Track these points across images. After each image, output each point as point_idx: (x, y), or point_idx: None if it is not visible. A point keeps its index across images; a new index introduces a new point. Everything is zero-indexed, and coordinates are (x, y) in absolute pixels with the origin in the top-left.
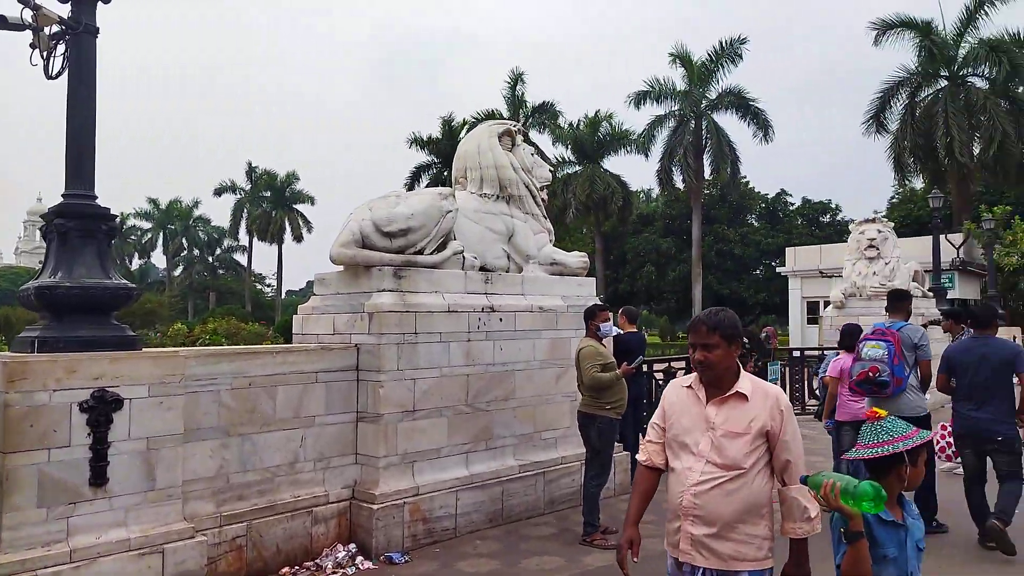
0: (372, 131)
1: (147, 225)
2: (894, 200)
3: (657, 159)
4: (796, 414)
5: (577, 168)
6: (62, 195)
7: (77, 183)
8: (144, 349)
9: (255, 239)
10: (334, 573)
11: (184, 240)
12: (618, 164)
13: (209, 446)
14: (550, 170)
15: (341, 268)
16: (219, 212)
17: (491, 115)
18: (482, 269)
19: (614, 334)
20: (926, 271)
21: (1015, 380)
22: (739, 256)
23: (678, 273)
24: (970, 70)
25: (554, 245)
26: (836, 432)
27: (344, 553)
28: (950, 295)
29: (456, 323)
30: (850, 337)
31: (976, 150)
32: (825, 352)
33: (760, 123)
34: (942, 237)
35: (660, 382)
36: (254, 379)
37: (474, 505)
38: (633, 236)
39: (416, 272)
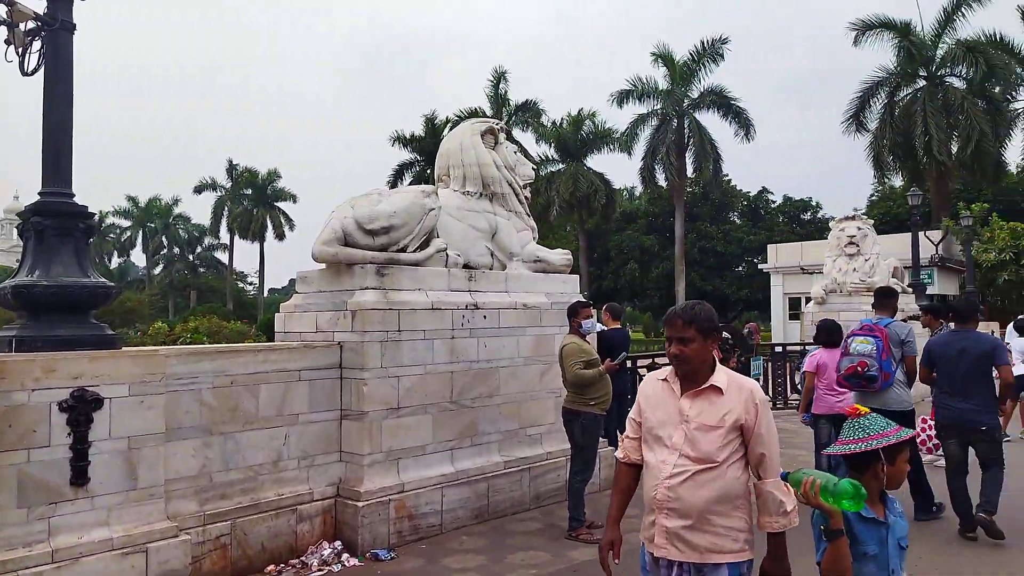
0: (355, 129)
1: (126, 223)
2: (874, 198)
3: (640, 157)
4: (778, 409)
5: (560, 166)
6: (39, 193)
7: (54, 181)
8: (124, 348)
9: (236, 237)
10: (320, 571)
11: (164, 238)
12: (601, 162)
13: (191, 445)
14: (533, 168)
15: (323, 266)
16: (200, 210)
17: (474, 113)
18: (465, 267)
19: (597, 331)
20: (906, 267)
21: (994, 372)
22: (721, 253)
23: (661, 270)
24: (948, 70)
25: (538, 243)
26: (815, 425)
27: (329, 551)
28: (929, 291)
29: (440, 320)
30: (826, 333)
31: (954, 149)
32: (807, 348)
33: (742, 122)
34: (921, 234)
35: (644, 378)
36: (236, 377)
37: (460, 501)
38: (616, 234)
39: (399, 270)
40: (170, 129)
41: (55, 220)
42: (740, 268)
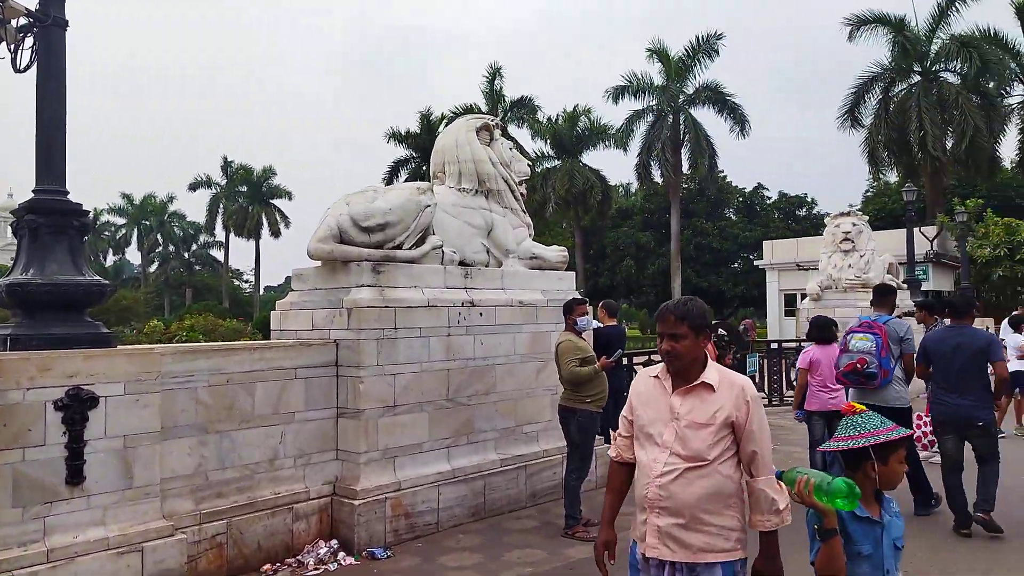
0: (351, 127)
1: (121, 221)
2: (869, 194)
3: (635, 153)
4: (774, 405)
5: (556, 163)
6: (33, 191)
7: (48, 179)
8: (119, 346)
9: (232, 234)
10: (316, 569)
11: (159, 236)
12: (597, 159)
13: (187, 443)
14: (528, 164)
15: (319, 263)
16: (195, 207)
17: (469, 110)
18: (461, 264)
19: (593, 327)
20: (900, 263)
21: (989, 368)
22: (717, 249)
23: (657, 267)
24: (942, 65)
25: (533, 239)
26: (808, 422)
27: (326, 549)
28: (924, 287)
29: (436, 318)
30: (818, 329)
31: (949, 144)
32: (803, 344)
33: (737, 118)
34: (916, 230)
35: (636, 375)
36: (232, 376)
37: (456, 499)
38: (612, 230)
39: (395, 267)
40: (168, 128)
41: (49, 218)
42: (736, 264)
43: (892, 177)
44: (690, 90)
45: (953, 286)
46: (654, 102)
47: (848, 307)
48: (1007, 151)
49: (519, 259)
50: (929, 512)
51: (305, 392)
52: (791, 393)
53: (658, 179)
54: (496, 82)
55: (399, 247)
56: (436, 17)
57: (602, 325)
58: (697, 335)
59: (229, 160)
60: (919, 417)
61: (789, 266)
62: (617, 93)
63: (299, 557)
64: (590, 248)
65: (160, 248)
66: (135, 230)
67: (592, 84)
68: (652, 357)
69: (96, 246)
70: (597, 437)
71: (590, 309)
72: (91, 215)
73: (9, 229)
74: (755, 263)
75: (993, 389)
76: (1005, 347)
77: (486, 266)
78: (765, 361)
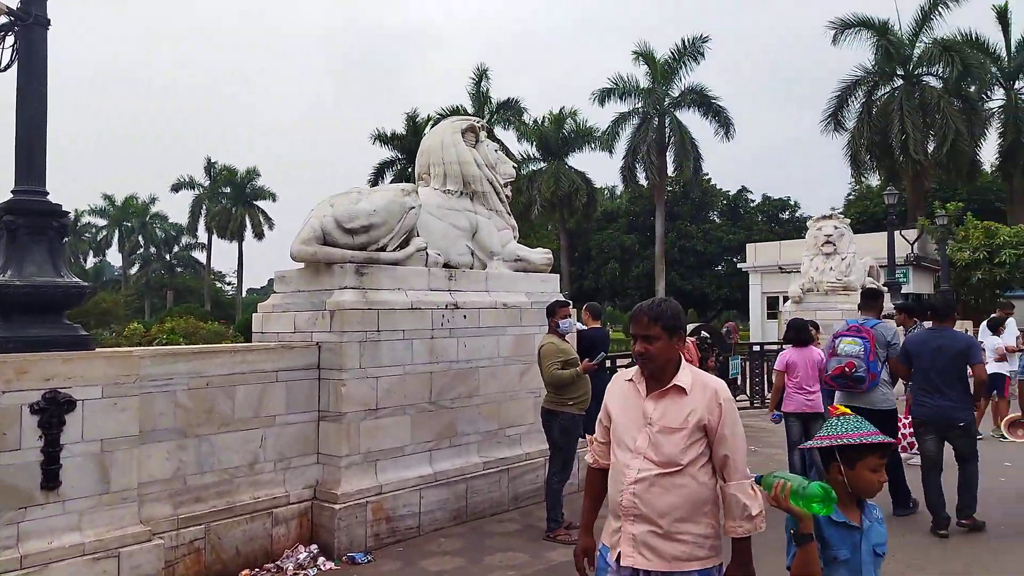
0: (338, 128)
1: (102, 222)
2: (851, 197)
3: (621, 156)
4: (755, 408)
5: (542, 165)
6: (12, 191)
7: (27, 179)
8: (98, 349)
9: (214, 236)
10: (295, 574)
11: (140, 237)
12: (583, 161)
13: (165, 447)
14: (514, 166)
15: (302, 265)
16: (177, 209)
17: (455, 111)
18: (446, 266)
19: (576, 330)
20: (881, 266)
21: (968, 371)
22: (701, 252)
23: (642, 269)
24: (924, 69)
25: (519, 241)
26: (785, 424)
27: (305, 554)
28: (905, 290)
29: (419, 320)
30: (795, 332)
31: (930, 148)
32: (785, 347)
33: (722, 121)
34: (897, 233)
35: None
36: (212, 379)
37: (438, 503)
38: (597, 233)
39: (378, 269)
40: (150, 129)
41: (28, 219)
42: (720, 267)
43: (874, 181)
44: (675, 93)
45: (933, 289)
46: (640, 105)
47: (829, 310)
48: (987, 155)
49: (504, 261)
50: (906, 513)
51: (286, 395)
52: None
53: (643, 182)
54: (482, 84)
55: (383, 249)
56: (421, 18)
57: (586, 327)
58: (671, 336)
59: (212, 161)
60: (899, 419)
61: (772, 269)
62: (603, 95)
63: (278, 562)
64: (575, 250)
65: (141, 250)
66: (116, 232)
67: (578, 86)
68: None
69: (77, 248)
70: (580, 440)
71: (574, 312)
72: (71, 216)
73: None
74: (738, 266)
75: (973, 391)
76: (984, 349)
77: (471, 268)
78: (747, 364)
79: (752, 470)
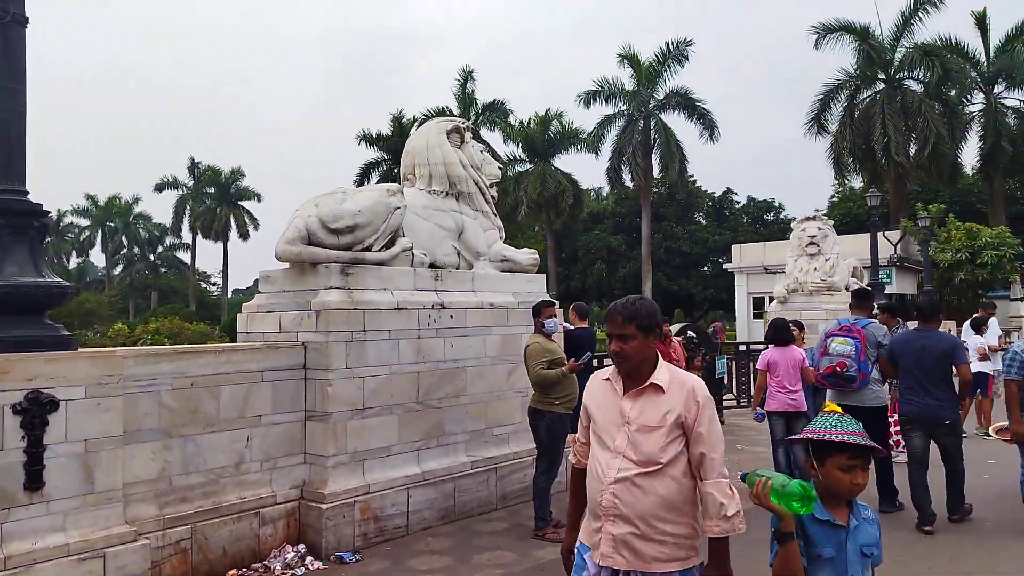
0: (337, 127)
1: (85, 222)
2: (834, 199)
3: (607, 158)
4: (742, 407)
5: (528, 166)
6: None
7: (7, 178)
8: (81, 349)
9: (199, 236)
10: (283, 574)
11: (124, 238)
12: (569, 162)
13: (150, 448)
14: (500, 168)
15: (287, 265)
16: (161, 209)
17: (441, 112)
18: (432, 266)
19: (562, 330)
20: (865, 267)
21: (953, 371)
22: (687, 253)
23: (628, 270)
24: (906, 73)
25: (505, 242)
26: (768, 422)
27: (293, 554)
28: (888, 290)
29: (406, 320)
30: (776, 331)
31: (912, 151)
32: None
33: (706, 123)
34: (880, 234)
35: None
36: (196, 379)
37: (426, 502)
38: (584, 233)
39: (364, 269)
40: (134, 129)
41: (8, 218)
42: (705, 268)
43: (857, 183)
44: (660, 95)
45: (916, 290)
46: (625, 107)
47: (814, 309)
48: (968, 157)
49: (490, 261)
50: (892, 511)
51: (272, 395)
52: None
53: (629, 183)
54: (468, 85)
55: (368, 249)
56: (421, 18)
57: (573, 327)
58: (646, 335)
59: (196, 161)
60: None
61: (757, 270)
62: (589, 97)
63: (266, 562)
64: (562, 251)
65: (125, 250)
66: (99, 232)
67: (578, 86)
68: None
69: (59, 248)
70: (567, 439)
71: (560, 312)
72: (54, 216)
73: None
74: (724, 267)
75: (958, 391)
76: (967, 349)
77: (457, 268)
78: (733, 363)
79: (739, 468)
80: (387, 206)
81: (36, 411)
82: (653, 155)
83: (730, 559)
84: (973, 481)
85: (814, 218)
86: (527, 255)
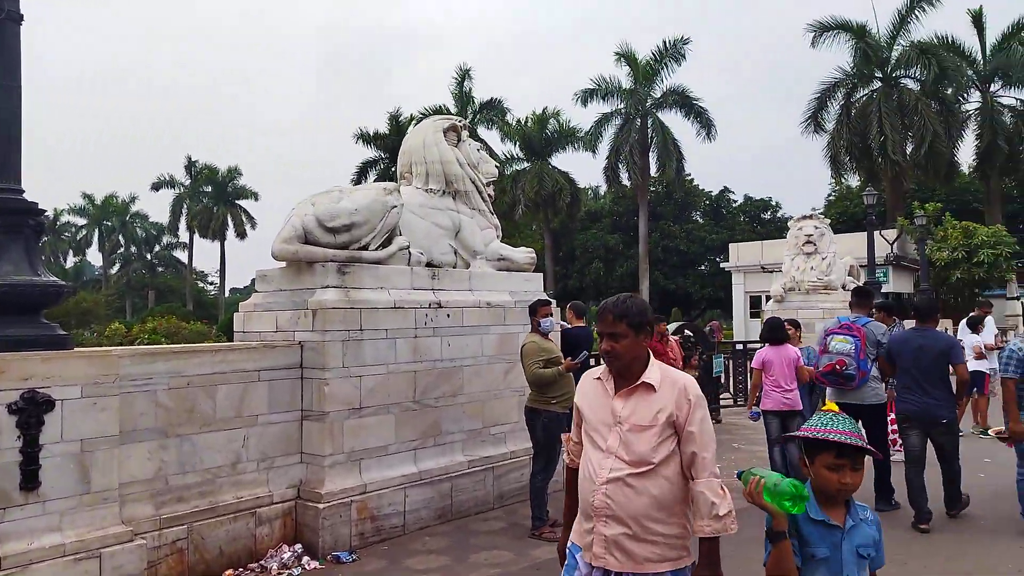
0: (337, 127)
1: (82, 221)
2: (831, 197)
3: (604, 156)
4: (739, 406)
5: (526, 165)
6: None
7: (3, 177)
8: (77, 349)
9: (196, 236)
10: (280, 574)
11: (121, 237)
12: (566, 161)
13: (147, 447)
14: (497, 166)
15: (284, 264)
16: (158, 208)
17: (438, 111)
18: (429, 265)
19: (558, 328)
20: (861, 266)
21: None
22: (684, 252)
23: (626, 269)
24: (902, 71)
25: (502, 241)
26: (764, 421)
27: (290, 554)
28: (884, 289)
29: (403, 319)
30: (770, 331)
31: (908, 149)
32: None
33: (703, 122)
34: (876, 233)
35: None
36: (192, 379)
37: (423, 502)
38: (581, 232)
39: (361, 268)
40: (133, 128)
41: (3, 217)
42: (703, 267)
43: (854, 181)
44: (657, 94)
45: (913, 288)
46: (622, 105)
47: (811, 308)
48: (965, 156)
49: (487, 260)
50: (888, 509)
51: (269, 394)
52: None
53: (626, 182)
54: (465, 83)
55: (365, 248)
56: (421, 18)
57: (570, 326)
58: (637, 333)
59: (193, 160)
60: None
61: (754, 268)
62: (586, 96)
63: (262, 562)
64: (559, 250)
65: (122, 249)
66: (96, 231)
67: (578, 86)
68: None
69: (56, 247)
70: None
71: (557, 311)
72: (51, 215)
73: None
74: (721, 265)
75: (955, 390)
76: (963, 347)
77: (454, 267)
78: (730, 362)
79: (735, 467)
80: (384, 205)
81: (32, 411)
82: (650, 154)
83: (720, 559)
84: (969, 480)
85: (811, 217)
86: (524, 254)
